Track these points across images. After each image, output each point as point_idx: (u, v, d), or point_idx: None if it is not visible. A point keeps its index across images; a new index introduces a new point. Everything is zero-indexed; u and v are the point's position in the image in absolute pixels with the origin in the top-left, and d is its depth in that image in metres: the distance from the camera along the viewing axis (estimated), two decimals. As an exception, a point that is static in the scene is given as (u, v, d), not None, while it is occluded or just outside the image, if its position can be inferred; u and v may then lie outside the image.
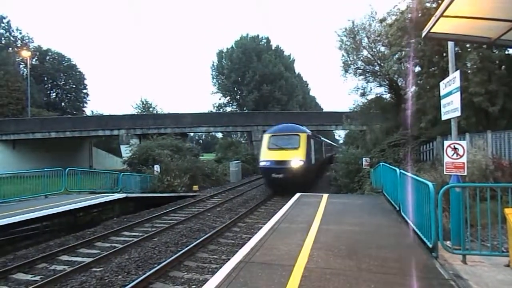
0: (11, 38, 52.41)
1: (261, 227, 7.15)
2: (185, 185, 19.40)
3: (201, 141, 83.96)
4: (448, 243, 4.93)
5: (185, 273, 6.68)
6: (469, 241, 4.96)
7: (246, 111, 51.01)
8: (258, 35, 57.13)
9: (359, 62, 20.84)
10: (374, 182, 14.94)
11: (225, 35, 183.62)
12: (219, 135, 52.64)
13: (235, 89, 56.14)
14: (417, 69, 15.08)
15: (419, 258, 4.69)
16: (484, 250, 4.77)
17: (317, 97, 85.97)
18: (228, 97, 57.61)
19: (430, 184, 4.91)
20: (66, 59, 57.73)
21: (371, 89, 21.69)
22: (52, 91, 58.24)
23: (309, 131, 18.76)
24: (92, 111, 57.88)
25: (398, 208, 7.96)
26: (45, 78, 55.82)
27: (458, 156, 5.12)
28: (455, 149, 5.14)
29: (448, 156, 5.18)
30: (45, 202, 11.64)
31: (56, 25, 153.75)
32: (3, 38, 50.76)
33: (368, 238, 5.79)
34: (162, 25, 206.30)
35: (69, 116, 47.01)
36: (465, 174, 5.19)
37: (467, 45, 11.74)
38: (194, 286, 5.98)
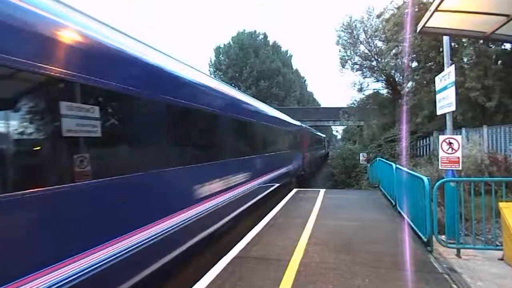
0: None
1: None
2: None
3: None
4: (442, 237, 4.96)
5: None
6: (463, 235, 5.00)
7: (244, 107, 50.79)
8: (255, 31, 56.69)
9: (356, 57, 20.88)
10: (370, 177, 15.02)
11: (221, 31, 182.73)
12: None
13: (233, 85, 55.85)
14: (414, 64, 15.09)
15: (414, 252, 4.73)
16: (478, 244, 4.80)
17: (315, 93, 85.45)
18: (226, 94, 57.42)
19: (425, 178, 4.93)
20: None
21: (368, 85, 21.72)
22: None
23: None
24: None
25: (394, 203, 8.00)
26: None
27: (453, 151, 5.13)
28: (450, 143, 5.15)
29: (443, 151, 5.19)
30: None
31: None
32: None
33: (364, 233, 5.82)
34: (157, 21, 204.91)
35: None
36: (460, 168, 5.20)
37: (464, 40, 11.76)
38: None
